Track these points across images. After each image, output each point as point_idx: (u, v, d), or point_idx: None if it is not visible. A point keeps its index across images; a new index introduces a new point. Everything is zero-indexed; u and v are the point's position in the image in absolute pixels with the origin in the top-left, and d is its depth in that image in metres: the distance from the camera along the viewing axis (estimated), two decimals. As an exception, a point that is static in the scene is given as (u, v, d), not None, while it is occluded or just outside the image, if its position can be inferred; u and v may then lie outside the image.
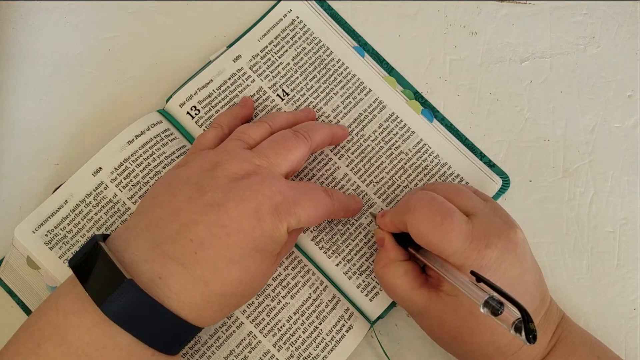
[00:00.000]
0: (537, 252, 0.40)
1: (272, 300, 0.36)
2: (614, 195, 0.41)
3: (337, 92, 0.40)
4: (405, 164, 0.39)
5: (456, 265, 0.30)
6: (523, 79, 0.42)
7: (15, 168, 0.39)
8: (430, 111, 0.41)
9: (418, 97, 0.41)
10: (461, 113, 0.42)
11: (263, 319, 0.36)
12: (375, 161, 0.39)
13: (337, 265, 0.37)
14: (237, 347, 0.35)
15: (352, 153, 0.39)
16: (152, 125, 0.38)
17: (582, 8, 0.43)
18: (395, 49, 0.42)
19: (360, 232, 0.38)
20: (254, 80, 0.40)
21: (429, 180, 0.39)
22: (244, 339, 0.35)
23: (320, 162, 0.39)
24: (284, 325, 0.36)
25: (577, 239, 0.40)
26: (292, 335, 0.36)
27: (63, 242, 0.35)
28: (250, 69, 0.40)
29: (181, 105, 0.39)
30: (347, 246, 0.38)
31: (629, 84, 0.42)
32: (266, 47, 0.41)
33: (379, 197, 0.39)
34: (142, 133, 0.37)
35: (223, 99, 0.39)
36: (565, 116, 0.42)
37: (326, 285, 0.37)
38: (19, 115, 0.40)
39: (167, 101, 0.40)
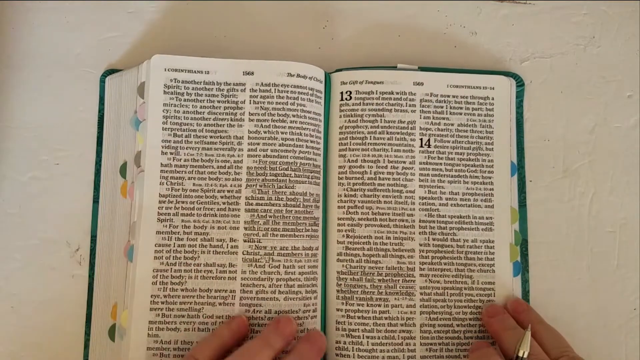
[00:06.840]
0: (537, 252, 0.40)
1: (274, 262, 0.36)
2: (614, 195, 0.41)
3: (468, 181, 0.39)
4: (464, 288, 0.38)
5: None
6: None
7: (15, 168, 0.39)
8: (521, 266, 0.39)
9: (523, 245, 0.39)
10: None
11: (256, 258, 0.36)
12: (445, 264, 0.38)
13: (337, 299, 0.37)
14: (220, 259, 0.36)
15: (434, 239, 0.38)
16: (315, 79, 0.38)
17: (582, 8, 0.43)
18: (396, 49, 0.42)
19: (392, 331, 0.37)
20: (414, 110, 0.39)
21: (477, 314, 0.38)
22: (226, 260, 0.36)
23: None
24: (263, 278, 0.35)
25: (577, 239, 0.40)
26: (261, 292, 0.35)
27: (176, 96, 0.37)
28: (421, 101, 0.39)
29: (343, 83, 0.39)
30: (361, 327, 0.37)
31: (629, 84, 0.42)
32: (448, 97, 0.40)
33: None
34: (303, 77, 0.38)
35: (375, 104, 0.39)
36: (565, 116, 0.42)
37: (317, 295, 0.37)
38: (19, 115, 0.40)
39: (335, 71, 0.40)
